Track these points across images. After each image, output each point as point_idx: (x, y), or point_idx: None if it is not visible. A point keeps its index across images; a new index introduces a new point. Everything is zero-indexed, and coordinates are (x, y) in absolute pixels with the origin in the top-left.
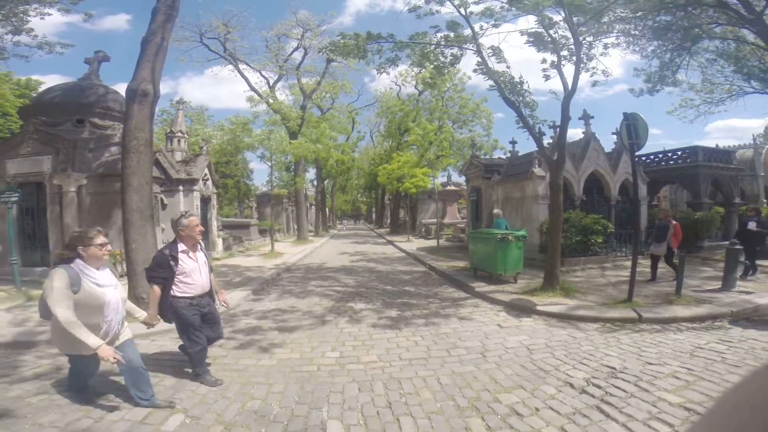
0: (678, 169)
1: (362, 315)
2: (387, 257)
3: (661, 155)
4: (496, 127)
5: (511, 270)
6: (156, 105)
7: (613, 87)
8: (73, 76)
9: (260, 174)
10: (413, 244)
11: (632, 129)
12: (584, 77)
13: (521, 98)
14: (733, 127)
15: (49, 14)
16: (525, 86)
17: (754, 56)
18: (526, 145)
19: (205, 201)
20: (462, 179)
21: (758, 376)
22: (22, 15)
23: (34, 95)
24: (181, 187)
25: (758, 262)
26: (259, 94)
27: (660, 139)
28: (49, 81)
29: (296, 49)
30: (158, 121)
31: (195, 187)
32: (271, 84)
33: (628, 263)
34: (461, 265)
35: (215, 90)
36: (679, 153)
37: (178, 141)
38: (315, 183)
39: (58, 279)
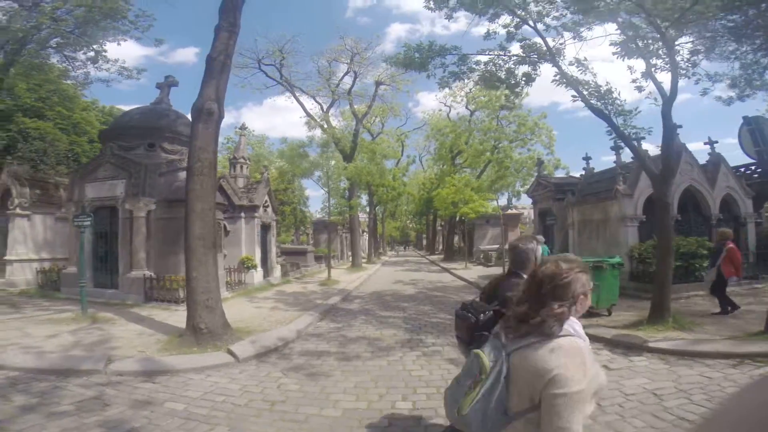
0: None
1: (433, 351)
2: (446, 285)
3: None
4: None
5: (605, 302)
6: (220, 125)
7: (676, 98)
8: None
9: (315, 201)
10: (472, 271)
11: (757, 134)
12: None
13: (611, 107)
14: None
15: (124, 40)
16: (615, 94)
17: None
18: (599, 162)
19: (265, 228)
20: (521, 202)
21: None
22: (100, 41)
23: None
24: (243, 214)
25: None
26: (314, 119)
27: (736, 149)
28: None
29: (346, 73)
30: (222, 149)
31: (256, 214)
32: (324, 109)
33: (738, 289)
34: None
35: (272, 119)
36: None
37: (241, 167)
38: (367, 210)
39: (586, 363)
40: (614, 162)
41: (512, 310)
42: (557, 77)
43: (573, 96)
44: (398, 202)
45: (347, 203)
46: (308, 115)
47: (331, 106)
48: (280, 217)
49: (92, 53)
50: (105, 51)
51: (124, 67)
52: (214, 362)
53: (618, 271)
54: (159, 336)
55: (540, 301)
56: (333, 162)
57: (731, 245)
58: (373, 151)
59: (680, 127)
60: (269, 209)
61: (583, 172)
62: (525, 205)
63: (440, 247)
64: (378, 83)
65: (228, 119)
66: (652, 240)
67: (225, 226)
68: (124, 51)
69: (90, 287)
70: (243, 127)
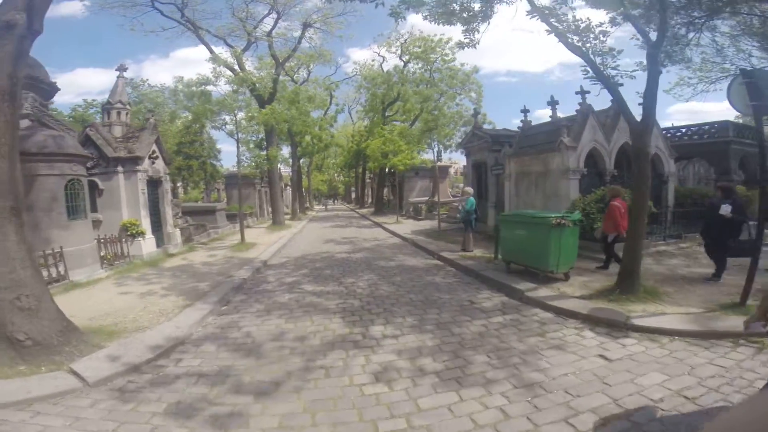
0: (706, 144)
1: (386, 350)
2: (382, 245)
3: (684, 129)
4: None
5: (565, 265)
6: (30, 42)
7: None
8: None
9: (230, 156)
10: (404, 226)
11: (753, 89)
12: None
13: (589, 44)
14: (692, 110)
15: None
16: (595, 32)
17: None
18: (512, 124)
19: (154, 184)
20: (445, 156)
21: None
22: None
23: None
24: (120, 168)
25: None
26: (220, 60)
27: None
28: None
29: (268, 14)
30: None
31: (139, 167)
32: (238, 53)
33: (671, 249)
34: (479, 255)
35: (181, 73)
36: (706, 128)
37: (118, 113)
38: (291, 162)
39: None
40: (550, 117)
41: None
42: (530, 10)
43: (547, 30)
44: (325, 154)
45: (263, 155)
46: (212, 52)
47: (246, 48)
48: (187, 173)
49: None
50: None
51: None
52: (47, 390)
53: (578, 229)
54: None
55: None
56: (241, 114)
57: (614, 202)
58: (296, 93)
59: (621, 85)
60: (159, 161)
61: (521, 125)
62: (450, 160)
63: (369, 200)
64: (306, 25)
65: (127, 73)
66: (595, 194)
67: (97, 185)
68: None
69: None
70: (122, 68)
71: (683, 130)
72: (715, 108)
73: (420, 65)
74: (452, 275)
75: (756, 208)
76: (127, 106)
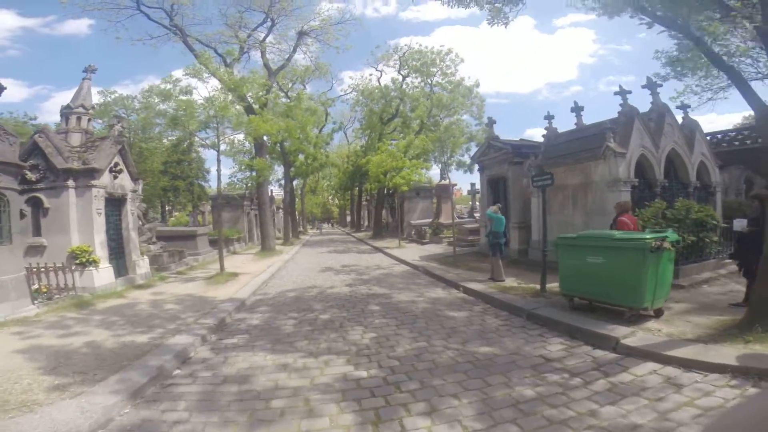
0: (750, 151)
1: None
2: (389, 274)
3: (720, 135)
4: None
5: (660, 299)
6: None
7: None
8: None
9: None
10: (409, 251)
11: None
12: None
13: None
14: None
15: None
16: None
17: None
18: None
19: (117, 203)
20: (447, 177)
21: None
22: None
23: None
24: (71, 182)
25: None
26: (208, 67)
27: None
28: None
29: (262, 23)
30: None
31: (95, 182)
32: (227, 63)
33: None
34: (515, 285)
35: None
36: (746, 132)
37: (78, 119)
38: (283, 183)
39: None
40: (575, 125)
41: None
42: None
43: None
44: (320, 176)
45: (254, 177)
46: (197, 57)
47: (239, 56)
48: (172, 195)
49: None
50: None
51: None
52: None
53: (674, 253)
54: None
55: None
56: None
57: (622, 218)
58: (299, 99)
59: (660, 86)
60: (123, 176)
61: (546, 132)
62: (448, 180)
63: (366, 224)
64: (301, 33)
65: (125, 91)
66: (652, 207)
67: (42, 202)
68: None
69: None
70: (90, 69)
71: (719, 136)
72: (706, 120)
73: (419, 79)
74: (493, 314)
75: None
76: (90, 111)
